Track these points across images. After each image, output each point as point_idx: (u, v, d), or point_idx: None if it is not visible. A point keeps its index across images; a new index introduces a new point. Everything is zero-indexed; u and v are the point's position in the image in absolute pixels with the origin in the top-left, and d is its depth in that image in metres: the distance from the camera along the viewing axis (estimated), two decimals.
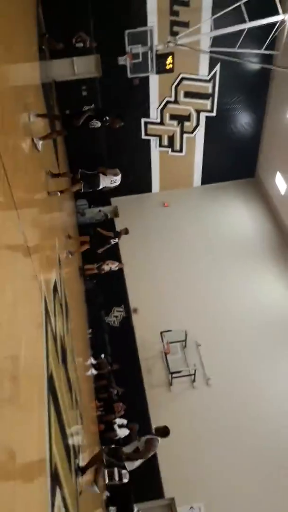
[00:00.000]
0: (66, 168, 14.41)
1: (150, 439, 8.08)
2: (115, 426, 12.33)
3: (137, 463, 8.20)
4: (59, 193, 8.71)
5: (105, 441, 12.12)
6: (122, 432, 12.36)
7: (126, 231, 13.21)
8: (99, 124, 8.88)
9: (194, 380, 13.97)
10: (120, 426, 12.46)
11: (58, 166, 10.86)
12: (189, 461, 12.41)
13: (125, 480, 11.52)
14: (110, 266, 13.64)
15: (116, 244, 16.29)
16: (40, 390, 4.34)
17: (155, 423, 12.86)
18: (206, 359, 14.35)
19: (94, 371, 13.26)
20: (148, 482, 12.06)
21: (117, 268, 14.01)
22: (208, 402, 13.52)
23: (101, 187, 9.64)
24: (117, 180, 9.81)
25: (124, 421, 12.60)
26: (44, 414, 4.34)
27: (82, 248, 13.12)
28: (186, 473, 12.18)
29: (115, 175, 9.77)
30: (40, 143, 6.96)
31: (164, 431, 8.24)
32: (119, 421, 12.54)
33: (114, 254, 16.34)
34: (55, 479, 4.36)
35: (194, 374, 13.92)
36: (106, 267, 13.62)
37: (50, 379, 4.89)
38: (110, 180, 9.67)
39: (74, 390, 7.35)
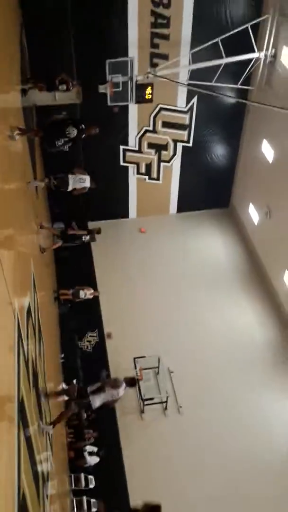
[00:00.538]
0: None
1: (116, 379, 8.42)
2: (85, 454, 12.14)
3: (102, 397, 8.19)
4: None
5: (75, 468, 11.93)
6: (92, 460, 12.19)
7: (98, 231, 13.66)
8: (75, 131, 9.40)
9: (166, 408, 13.88)
10: (90, 453, 12.28)
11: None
12: (160, 490, 12.16)
13: (94, 510, 11.36)
14: (86, 292, 13.61)
15: (92, 269, 16.38)
16: (10, 415, 4.30)
17: (126, 450, 12.77)
18: (178, 386, 14.31)
19: (65, 397, 13.05)
20: (117, 509, 11.84)
21: (92, 296, 13.98)
22: (179, 430, 13.43)
23: (70, 187, 10.39)
24: (85, 180, 10.54)
25: (95, 449, 12.44)
26: (14, 438, 4.29)
27: (55, 245, 13.29)
28: (157, 501, 11.96)
29: (83, 173, 10.55)
30: (15, 133, 7.15)
31: (131, 381, 8.54)
32: (89, 448, 12.36)
33: (90, 280, 16.37)
34: (22, 508, 4.27)
35: (166, 401, 13.85)
36: (81, 293, 13.60)
37: (21, 404, 4.84)
38: (79, 179, 10.44)
39: (44, 415, 7.24)
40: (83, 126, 9.58)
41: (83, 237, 13.74)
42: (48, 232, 13.37)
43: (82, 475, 11.73)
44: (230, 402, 14.00)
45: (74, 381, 13.62)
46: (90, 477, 11.80)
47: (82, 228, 14.66)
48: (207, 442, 13.12)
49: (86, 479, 11.71)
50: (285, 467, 12.86)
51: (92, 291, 13.91)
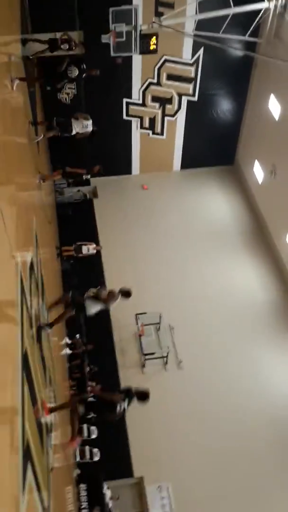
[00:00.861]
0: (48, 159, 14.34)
1: (112, 291, 8.50)
2: None
3: (98, 306, 8.35)
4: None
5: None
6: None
7: (98, 170, 13.48)
8: (77, 71, 9.53)
9: (166, 363, 14.16)
10: None
11: (38, 149, 10.74)
12: (158, 442, 12.64)
13: (96, 458, 11.75)
14: (88, 247, 13.63)
15: (95, 226, 16.34)
16: (14, 367, 4.37)
17: None
18: (179, 342, 14.55)
19: (68, 351, 13.30)
20: (118, 461, 12.30)
21: (95, 250, 13.99)
22: (179, 384, 13.74)
23: (74, 131, 10.51)
24: (88, 124, 10.65)
25: None
26: (17, 391, 4.37)
27: (55, 176, 13.16)
28: (156, 453, 12.41)
29: (86, 119, 10.62)
30: (16, 83, 7.04)
31: (127, 293, 8.74)
32: (92, 399, 12.63)
33: (93, 238, 16.37)
34: (27, 455, 4.41)
35: (167, 356, 14.11)
36: (84, 249, 13.61)
37: (25, 357, 4.91)
38: (81, 124, 10.54)
39: (48, 368, 7.39)
40: (84, 65, 9.68)
41: (83, 176, 13.61)
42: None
43: (85, 426, 12.07)
44: (229, 358, 14.26)
45: (77, 335, 13.88)
46: (93, 427, 12.15)
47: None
48: (207, 396, 13.45)
49: (89, 430, 12.06)
50: (282, 420, 13.22)
51: (94, 245, 13.93)
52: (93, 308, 8.28)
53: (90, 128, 10.67)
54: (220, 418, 13.06)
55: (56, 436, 7.68)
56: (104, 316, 14.80)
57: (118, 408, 7.38)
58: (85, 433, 12.03)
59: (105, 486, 11.67)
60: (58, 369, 8.83)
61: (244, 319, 15.25)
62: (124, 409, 7.44)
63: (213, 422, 12.97)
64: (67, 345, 13.33)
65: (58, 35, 11.26)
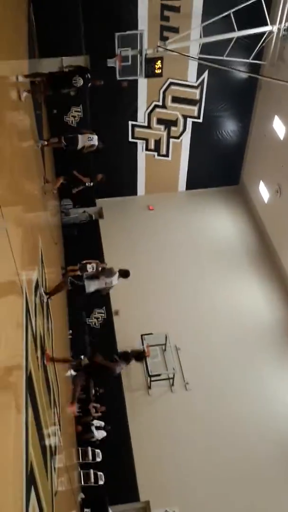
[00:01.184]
0: (53, 172, 14.45)
1: (111, 268, 9.08)
2: (92, 428, 12.30)
3: (96, 283, 8.86)
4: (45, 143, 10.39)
5: (82, 442, 12.11)
6: (100, 434, 12.35)
7: (101, 178, 13.57)
8: (81, 81, 9.73)
9: (172, 384, 14.00)
10: (98, 427, 12.44)
11: (45, 173, 10.85)
12: (165, 465, 12.43)
13: (101, 482, 11.55)
14: (93, 265, 13.63)
15: (100, 247, 16.36)
16: (18, 389, 4.32)
17: (133, 425, 12.94)
18: (185, 363, 14.41)
19: (73, 372, 13.18)
20: (124, 484, 12.08)
21: (100, 268, 13.95)
22: (186, 406, 13.55)
23: (79, 146, 10.80)
24: (93, 138, 10.88)
25: (102, 423, 12.59)
26: (22, 414, 4.32)
27: (57, 182, 13.16)
28: (162, 476, 12.20)
29: (91, 133, 10.91)
30: (24, 95, 7.24)
31: (125, 273, 9.27)
32: (96, 422, 12.52)
33: (98, 258, 16.36)
34: (30, 479, 4.34)
35: (173, 378, 13.96)
36: (89, 267, 13.60)
37: (29, 379, 4.86)
38: (87, 138, 10.81)
39: (52, 390, 7.31)
40: (89, 75, 9.90)
41: (87, 183, 13.71)
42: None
43: (90, 448, 11.91)
44: (236, 379, 14.08)
45: (82, 357, 13.74)
46: (97, 451, 11.98)
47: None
48: (213, 418, 13.25)
49: (94, 453, 11.89)
50: None
51: (99, 263, 13.93)
52: (92, 286, 8.52)
53: (95, 142, 10.94)
54: (228, 441, 12.84)
55: (60, 459, 7.57)
56: (109, 337, 14.76)
57: (117, 371, 7.72)
58: (90, 456, 11.87)
59: (110, 511, 11.44)
60: (63, 390, 8.73)
61: (250, 339, 15.10)
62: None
63: (221, 445, 12.75)
64: (72, 366, 13.21)
65: (65, 60, 11.61)
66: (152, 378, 13.86)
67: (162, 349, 14.63)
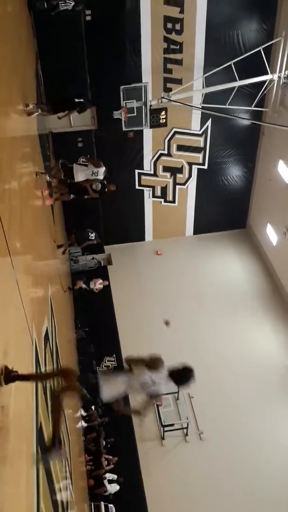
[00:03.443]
0: (62, 224, 14.76)
1: (98, 161, 8.78)
2: (105, 481, 11.90)
3: (84, 172, 8.63)
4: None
5: (95, 496, 11.68)
6: (112, 488, 11.93)
7: (112, 190, 11.58)
8: (100, 185, 10.12)
9: (186, 434, 13.59)
10: (110, 481, 12.03)
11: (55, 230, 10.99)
12: None
13: None
14: (95, 282, 13.99)
15: (110, 293, 16.39)
16: (28, 442, 4.21)
17: (146, 477, 12.48)
18: (199, 412, 14.03)
19: (84, 424, 12.90)
20: None
21: (101, 286, 14.10)
22: (201, 456, 13.10)
23: (80, 178, 9.76)
24: (99, 172, 9.75)
25: (115, 476, 12.18)
26: (32, 468, 4.19)
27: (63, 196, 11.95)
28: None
29: (97, 166, 9.75)
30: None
31: (110, 170, 8.75)
32: (109, 475, 12.12)
33: (108, 303, 16.41)
34: None
35: (187, 427, 13.57)
36: (91, 284, 13.95)
37: (40, 431, 4.75)
38: (91, 172, 9.71)
39: (63, 442, 7.11)
40: (105, 181, 10.28)
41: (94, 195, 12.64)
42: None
43: (102, 503, 11.47)
44: (252, 428, 13.64)
45: (93, 407, 13.48)
46: (111, 505, 11.54)
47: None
48: (230, 469, 12.76)
49: (106, 508, 11.45)
50: None
51: (101, 281, 14.03)
52: (80, 175, 8.35)
53: (100, 177, 9.90)
54: (243, 493, 12.31)
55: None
56: None
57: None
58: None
59: None
60: (74, 442, 8.50)
61: (265, 385, 14.73)
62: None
63: (238, 497, 12.21)
64: (82, 417, 12.95)
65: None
66: (166, 428, 13.48)
67: (174, 398, 14.30)
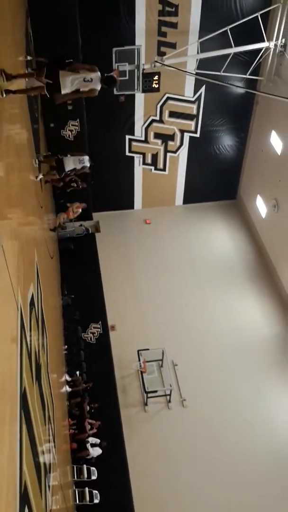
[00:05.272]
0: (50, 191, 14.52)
1: (93, 66, 7.04)
2: (88, 445, 12.11)
3: (70, 80, 6.73)
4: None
5: (77, 460, 11.91)
6: (95, 451, 12.16)
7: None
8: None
9: (169, 401, 13.83)
10: (93, 445, 12.25)
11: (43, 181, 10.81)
12: (161, 483, 12.22)
13: (96, 501, 11.34)
14: (71, 208, 14.14)
15: (97, 260, 16.35)
16: (12, 406, 4.22)
17: (128, 442, 12.74)
18: (182, 380, 14.25)
19: (68, 388, 13.04)
20: (119, 504, 11.83)
21: (79, 209, 14.38)
22: (183, 423, 13.38)
23: (69, 168, 10.61)
24: (85, 160, 10.74)
25: (97, 440, 12.40)
26: (15, 430, 4.21)
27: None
28: (158, 495, 11.98)
29: (81, 155, 10.80)
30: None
31: (109, 79, 7.27)
32: (92, 439, 12.33)
33: (95, 270, 16.41)
34: (24, 498, 4.21)
35: (170, 394, 13.79)
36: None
37: (24, 396, 4.75)
38: (78, 160, 10.64)
39: (47, 406, 7.17)
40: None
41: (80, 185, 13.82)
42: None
43: (85, 466, 11.71)
44: (233, 396, 13.93)
45: (77, 372, 13.61)
46: (93, 468, 11.79)
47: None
48: (210, 435, 13.07)
49: (89, 471, 11.70)
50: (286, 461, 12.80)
51: (78, 204, 14.17)
52: (67, 86, 6.93)
53: (86, 164, 10.88)
54: (225, 459, 12.65)
55: (55, 477, 7.40)
56: (105, 353, 14.61)
57: None
58: (85, 474, 11.67)
59: None
60: (58, 407, 8.59)
61: (248, 354, 14.98)
62: None
63: (218, 463, 12.55)
64: (67, 382, 13.08)
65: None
66: (149, 395, 13.69)
67: (159, 365, 14.49)
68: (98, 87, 7.28)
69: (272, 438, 13.21)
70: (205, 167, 18.91)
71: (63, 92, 6.85)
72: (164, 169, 19.00)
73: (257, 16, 14.10)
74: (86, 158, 10.94)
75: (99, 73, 7.14)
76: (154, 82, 14.28)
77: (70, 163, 10.83)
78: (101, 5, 14.25)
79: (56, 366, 10.53)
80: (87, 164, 10.96)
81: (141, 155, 18.43)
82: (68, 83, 6.79)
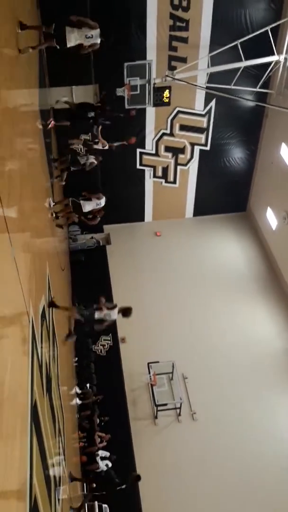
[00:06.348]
0: (62, 196, 14.50)
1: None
2: (98, 459, 12.02)
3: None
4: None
5: (87, 473, 11.81)
6: (105, 465, 12.06)
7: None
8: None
9: (179, 414, 13.73)
10: (103, 458, 12.15)
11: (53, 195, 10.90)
12: (171, 496, 12.08)
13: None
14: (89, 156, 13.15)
15: (107, 272, 16.31)
16: (23, 418, 4.23)
17: (138, 456, 12.65)
18: (192, 393, 14.15)
19: (78, 401, 13.00)
20: None
21: (95, 161, 13.05)
22: (193, 436, 13.26)
23: (87, 210, 10.81)
24: (101, 202, 10.91)
25: (107, 453, 12.30)
26: (26, 443, 4.22)
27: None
28: (168, 508, 11.84)
29: (98, 198, 10.86)
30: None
31: (126, 311, 9.14)
32: (101, 453, 12.24)
33: (105, 284, 16.40)
34: (34, 511, 4.21)
35: (180, 407, 13.70)
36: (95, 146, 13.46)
37: (34, 408, 4.77)
38: (95, 203, 10.81)
39: (57, 419, 7.18)
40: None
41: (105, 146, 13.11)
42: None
43: (96, 503, 11.50)
44: (244, 409, 13.80)
45: (88, 385, 13.57)
46: (105, 506, 11.56)
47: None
48: (221, 449, 12.94)
49: (100, 508, 11.50)
50: None
51: (93, 157, 13.15)
52: (71, 40, 7.65)
53: (103, 204, 11.02)
54: (235, 472, 12.48)
55: (65, 490, 7.38)
56: (115, 365, 14.57)
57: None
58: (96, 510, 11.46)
59: None
60: (68, 419, 8.57)
61: (259, 367, 14.85)
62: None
63: (228, 477, 12.40)
64: (77, 395, 13.05)
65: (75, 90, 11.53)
66: (159, 408, 13.61)
67: (169, 378, 14.43)
68: (98, 41, 8.40)
69: (284, 454, 13.02)
70: (215, 179, 18.94)
71: (68, 45, 7.75)
72: (174, 182, 19.07)
73: (267, 30, 14.19)
74: (103, 199, 10.95)
75: (98, 30, 8.24)
76: (165, 96, 14.39)
77: (87, 207, 10.85)
78: (112, 21, 14.43)
79: (67, 378, 10.53)
80: (103, 203, 11.01)
81: (152, 168, 18.53)
82: (73, 38, 7.72)
